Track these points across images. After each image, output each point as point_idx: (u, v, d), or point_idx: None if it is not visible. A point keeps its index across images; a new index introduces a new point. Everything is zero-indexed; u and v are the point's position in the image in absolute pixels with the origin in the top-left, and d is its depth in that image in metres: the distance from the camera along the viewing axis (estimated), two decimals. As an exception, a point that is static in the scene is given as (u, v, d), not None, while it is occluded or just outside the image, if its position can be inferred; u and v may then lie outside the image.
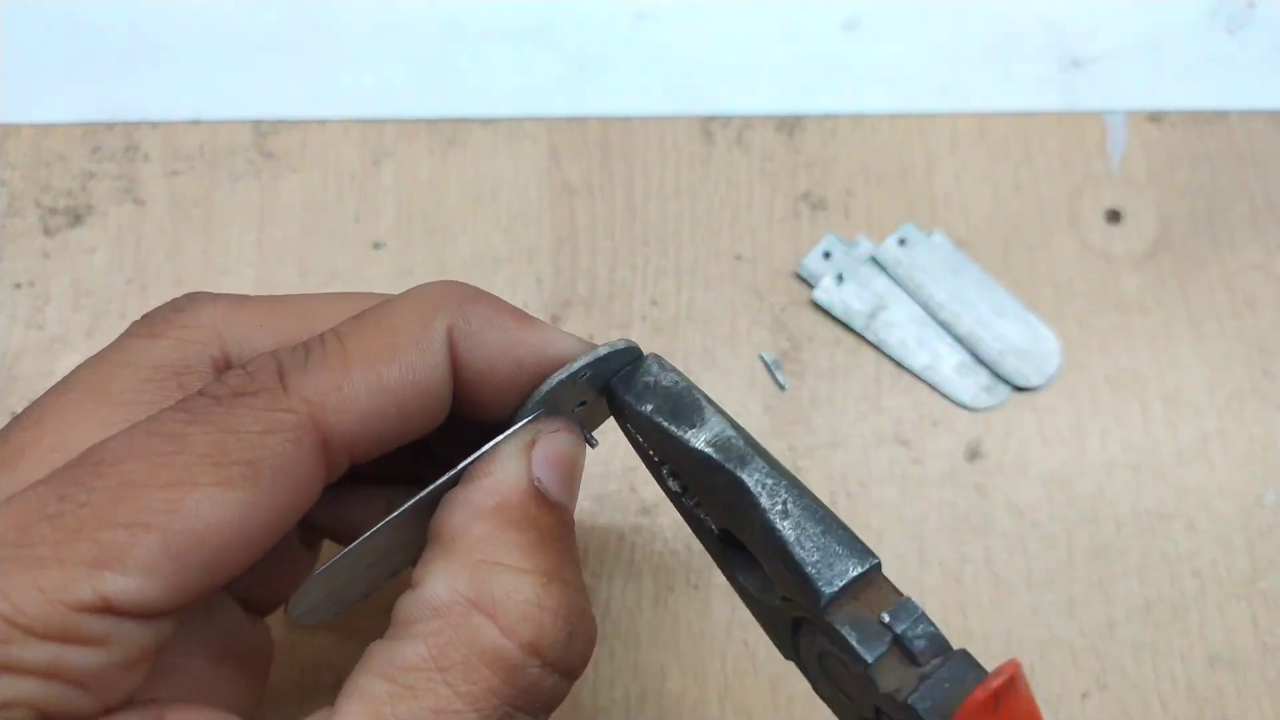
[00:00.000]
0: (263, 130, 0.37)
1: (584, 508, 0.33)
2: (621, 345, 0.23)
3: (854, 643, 0.20)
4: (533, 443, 0.22)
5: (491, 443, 0.22)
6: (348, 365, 0.20)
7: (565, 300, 0.35)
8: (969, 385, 0.34)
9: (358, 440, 0.20)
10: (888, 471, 0.33)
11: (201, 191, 0.37)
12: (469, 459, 0.22)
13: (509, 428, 0.22)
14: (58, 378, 0.33)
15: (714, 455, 0.22)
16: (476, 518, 0.20)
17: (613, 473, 0.33)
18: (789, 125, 0.38)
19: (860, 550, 0.20)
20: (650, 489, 0.33)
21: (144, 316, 0.22)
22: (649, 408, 0.22)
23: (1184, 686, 0.31)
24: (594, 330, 0.35)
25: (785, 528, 0.21)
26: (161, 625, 0.18)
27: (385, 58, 0.39)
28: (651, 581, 0.32)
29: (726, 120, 0.38)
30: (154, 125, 0.37)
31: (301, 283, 0.35)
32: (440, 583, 0.20)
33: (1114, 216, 0.37)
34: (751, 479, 0.21)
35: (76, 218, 0.36)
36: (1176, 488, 0.33)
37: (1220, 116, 0.38)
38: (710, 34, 0.39)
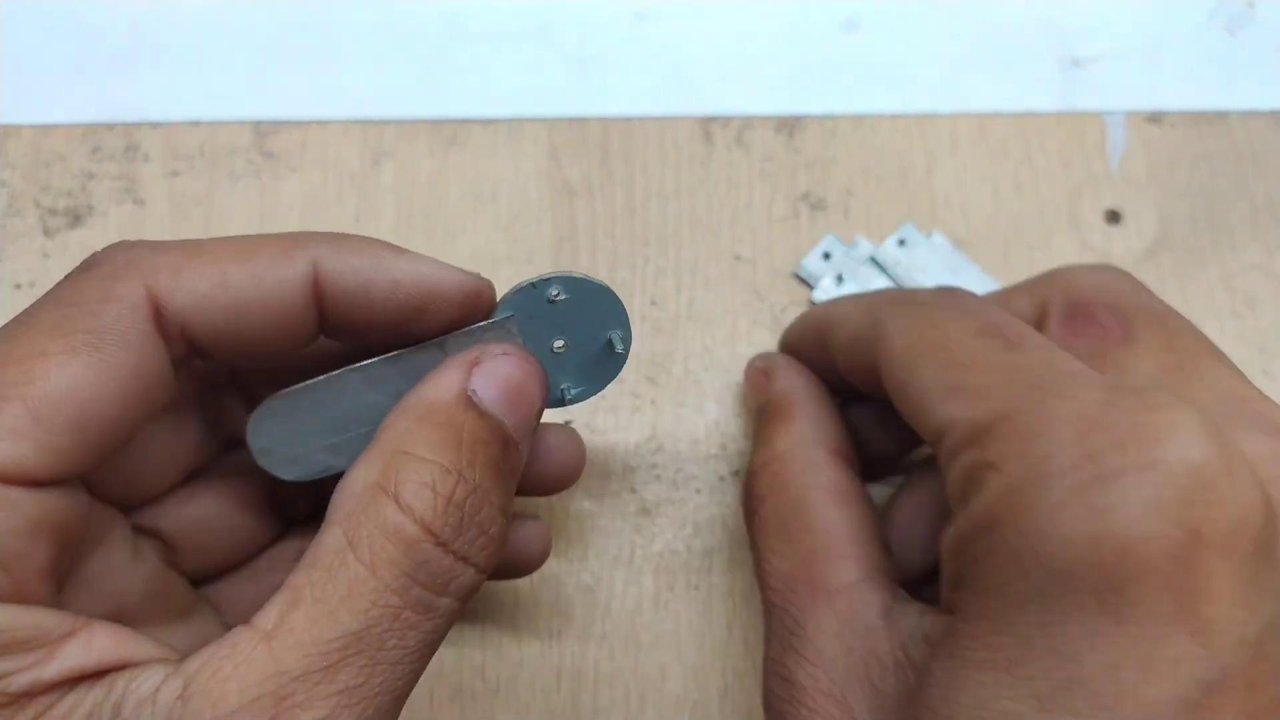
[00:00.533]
0: (263, 130, 0.37)
1: (584, 508, 0.33)
2: (598, 282, 0.24)
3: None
4: (475, 359, 0.23)
5: (462, 330, 0.23)
6: (195, 255, 0.22)
7: (565, 300, 0.35)
8: (969, 385, 0.34)
9: (194, 323, 0.21)
10: (888, 472, 0.33)
11: (201, 191, 0.37)
12: (435, 339, 0.23)
13: (479, 329, 0.24)
14: (58, 378, 0.34)
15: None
16: (402, 415, 0.22)
17: (613, 473, 0.33)
18: (789, 125, 0.38)
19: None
20: (650, 489, 0.33)
21: (91, 273, 0.23)
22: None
23: (1184, 686, 0.31)
24: (594, 330, 0.35)
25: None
26: (50, 496, 0.19)
27: (385, 58, 0.39)
28: (652, 581, 0.32)
29: (726, 120, 0.38)
30: (154, 125, 0.37)
31: (301, 283, 0.35)
32: (358, 471, 0.21)
33: (1114, 217, 0.37)
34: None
35: (76, 218, 0.36)
36: (1176, 488, 0.33)
37: (1220, 117, 0.38)
38: (710, 34, 0.39)
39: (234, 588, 0.26)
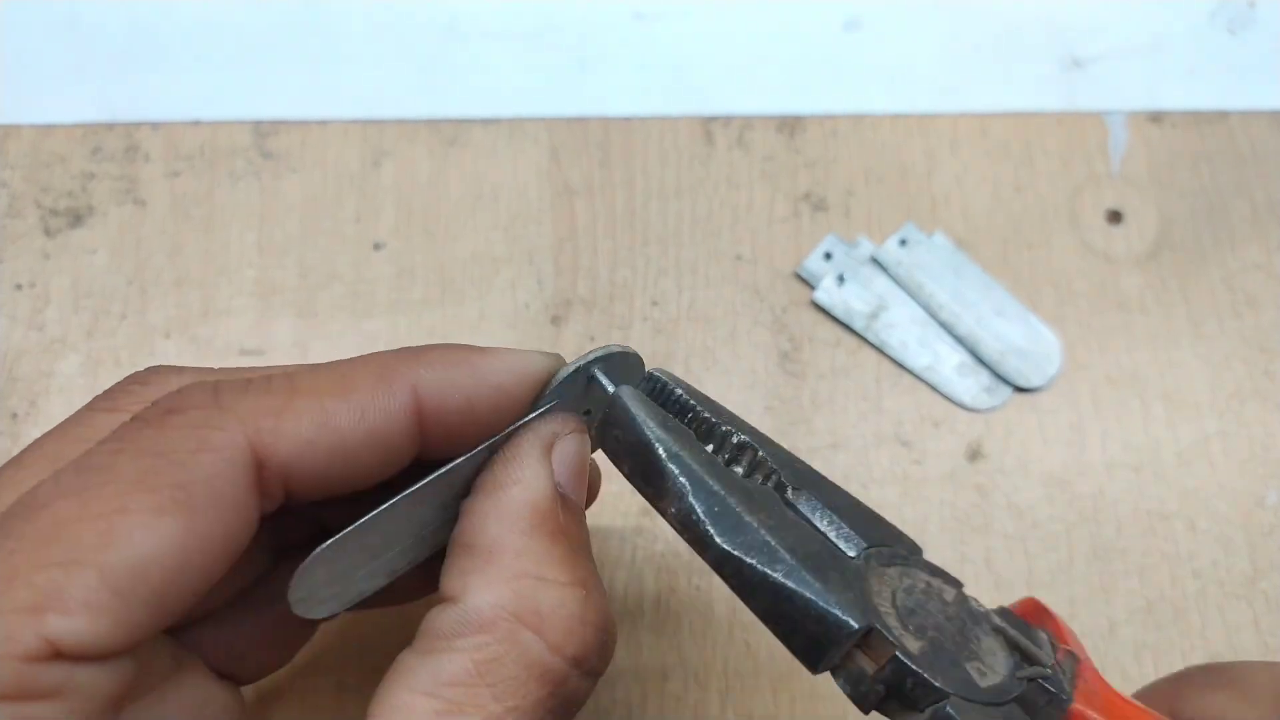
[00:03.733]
0: (263, 130, 0.37)
1: (585, 508, 0.33)
2: (618, 349, 0.23)
3: (848, 693, 0.20)
4: (551, 445, 0.22)
5: (509, 429, 0.22)
6: (293, 394, 0.19)
7: (565, 300, 0.35)
8: (970, 386, 0.34)
9: (297, 472, 0.19)
10: (889, 472, 0.33)
11: (202, 192, 0.37)
12: (486, 443, 0.22)
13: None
14: (58, 378, 0.34)
15: (681, 534, 0.21)
16: (513, 529, 0.20)
17: (613, 473, 0.33)
18: (789, 125, 0.38)
19: (840, 619, 0.19)
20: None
21: (107, 392, 0.22)
22: (626, 469, 0.22)
23: (1185, 687, 0.31)
24: (595, 330, 0.35)
25: (759, 608, 0.20)
26: (117, 668, 0.17)
27: (385, 58, 0.38)
28: (653, 582, 0.32)
29: (727, 120, 0.38)
30: (154, 126, 0.37)
31: (302, 283, 0.35)
32: (483, 597, 0.19)
33: (1115, 216, 0.36)
34: (715, 562, 0.21)
35: (77, 218, 0.36)
36: (1177, 488, 0.33)
37: (1221, 117, 0.38)
38: (710, 34, 0.39)
39: (215, 629, 0.24)
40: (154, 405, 0.19)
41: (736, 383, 0.34)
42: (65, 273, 0.35)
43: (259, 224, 0.36)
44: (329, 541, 0.21)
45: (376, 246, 0.36)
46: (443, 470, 0.21)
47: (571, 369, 0.22)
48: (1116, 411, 0.34)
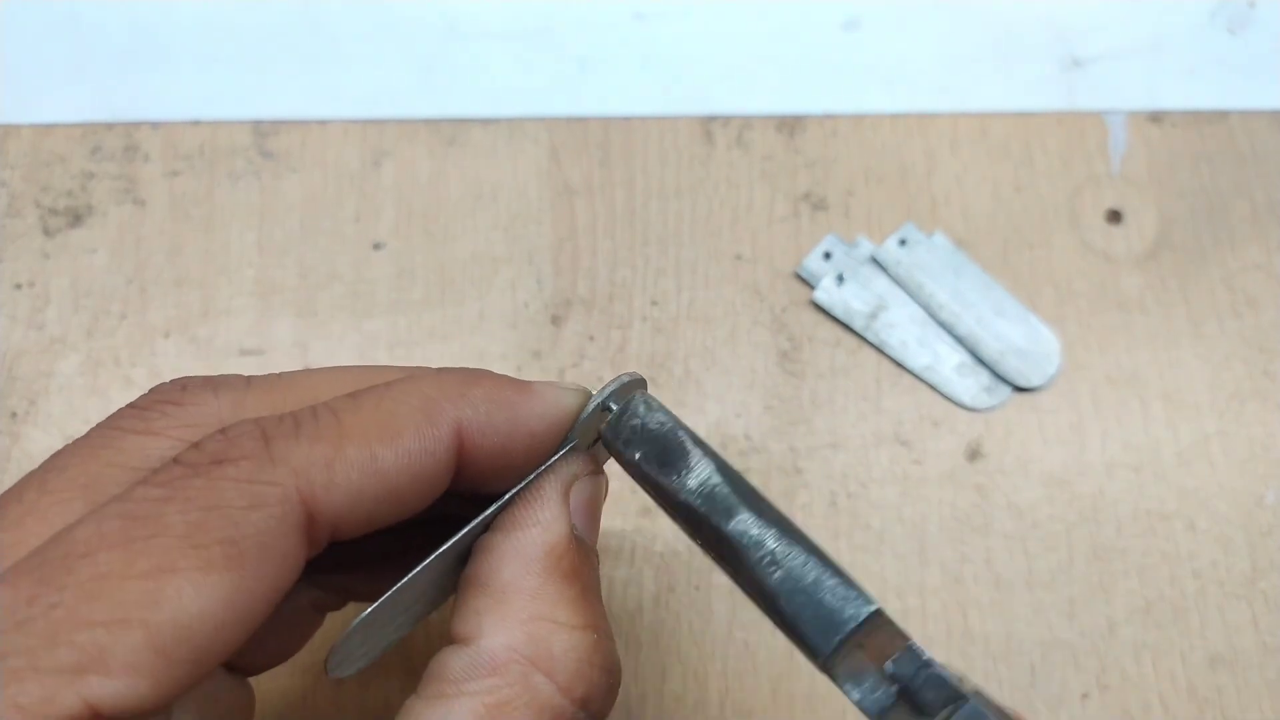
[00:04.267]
0: (263, 130, 0.37)
1: (584, 508, 0.33)
2: (628, 377, 0.23)
3: (856, 700, 0.19)
4: (570, 487, 0.22)
5: (530, 478, 0.22)
6: (342, 440, 0.19)
7: (565, 300, 0.35)
8: (969, 385, 0.34)
9: (344, 520, 0.19)
10: (888, 472, 0.33)
11: (201, 191, 0.37)
12: (508, 495, 0.22)
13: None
14: (58, 378, 0.34)
15: (699, 507, 0.21)
16: (529, 570, 0.20)
17: (613, 472, 0.33)
18: (789, 125, 0.38)
19: (856, 600, 0.20)
20: (650, 489, 0.33)
21: (136, 409, 0.21)
22: (637, 455, 0.22)
23: (1184, 687, 0.31)
24: (594, 330, 0.35)
25: (774, 583, 0.20)
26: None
27: (385, 58, 0.38)
28: (652, 582, 0.32)
29: (726, 120, 0.38)
30: (154, 125, 0.37)
31: (302, 283, 0.35)
32: (496, 639, 0.19)
33: (1114, 216, 0.36)
34: (736, 530, 0.21)
35: (76, 218, 0.36)
36: (1177, 488, 0.33)
37: (1221, 116, 0.38)
38: (710, 34, 0.39)
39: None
40: (200, 450, 0.18)
41: (736, 382, 0.34)
42: (65, 272, 0.35)
43: (259, 224, 0.36)
44: (368, 611, 0.20)
45: (376, 246, 0.36)
46: (470, 529, 0.21)
47: (593, 406, 0.23)
48: (1116, 411, 0.34)
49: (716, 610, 0.32)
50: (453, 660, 0.19)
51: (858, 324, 0.35)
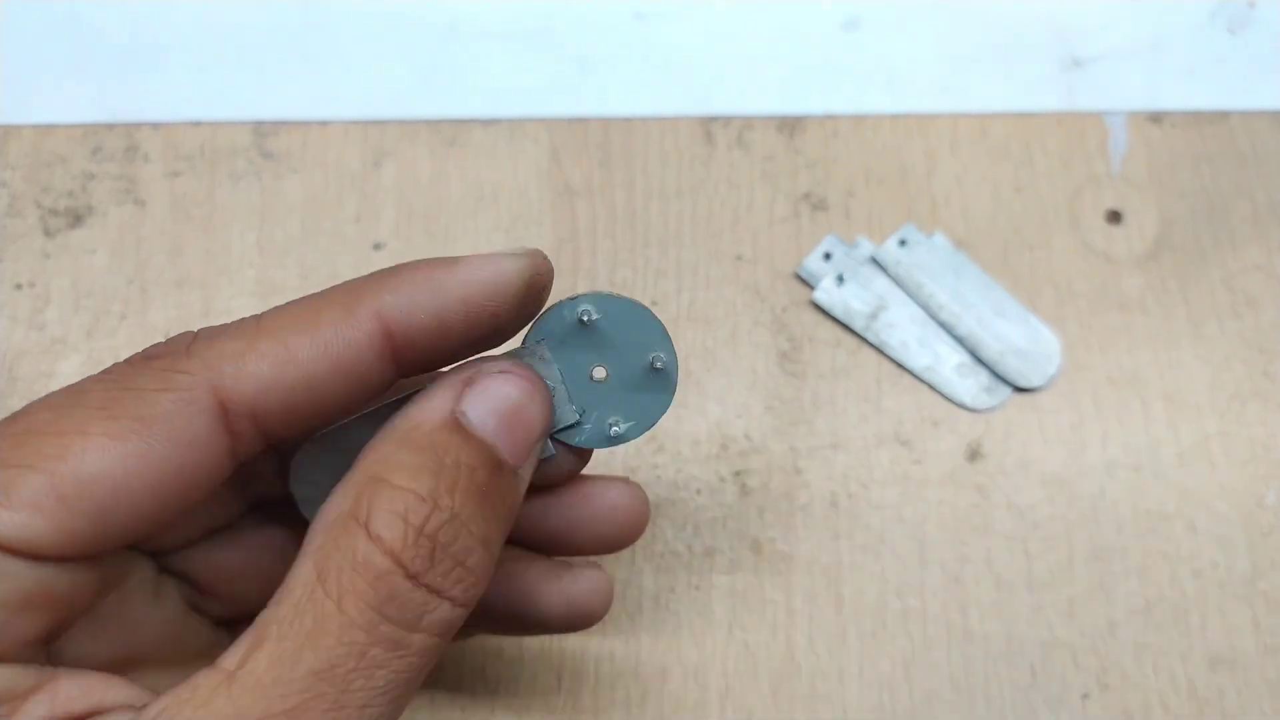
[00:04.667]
0: (263, 131, 0.37)
1: (584, 508, 0.33)
2: (629, 299, 0.23)
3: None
4: (472, 380, 0.21)
5: (487, 355, 0.22)
6: (258, 335, 0.20)
7: (566, 301, 0.35)
8: (969, 386, 0.34)
9: (262, 410, 0.20)
10: (888, 472, 0.33)
11: (202, 192, 0.37)
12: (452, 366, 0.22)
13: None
14: (58, 379, 0.34)
15: None
16: (384, 439, 0.21)
17: (613, 472, 0.33)
18: (789, 125, 0.38)
19: None
20: (651, 490, 0.33)
21: (148, 348, 0.22)
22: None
23: (1184, 687, 0.31)
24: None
25: None
26: (54, 572, 0.19)
27: (385, 58, 0.39)
28: (652, 582, 0.32)
29: (727, 121, 0.38)
30: (154, 126, 0.37)
31: (302, 283, 0.35)
32: (334, 500, 0.20)
33: (1115, 217, 0.36)
34: None
35: (77, 218, 0.36)
36: (1177, 488, 0.33)
37: (1221, 117, 0.38)
38: (710, 34, 0.39)
39: (190, 557, 0.25)
40: (143, 350, 0.21)
41: (736, 383, 0.34)
42: (65, 273, 0.35)
43: (259, 224, 0.36)
44: (316, 434, 0.22)
45: (377, 247, 0.36)
46: (430, 380, 0.22)
47: (561, 301, 0.23)
48: (1116, 412, 0.34)
49: (716, 610, 0.32)
50: (310, 528, 0.20)
51: (858, 324, 0.35)
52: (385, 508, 0.19)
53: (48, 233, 0.36)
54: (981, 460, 0.34)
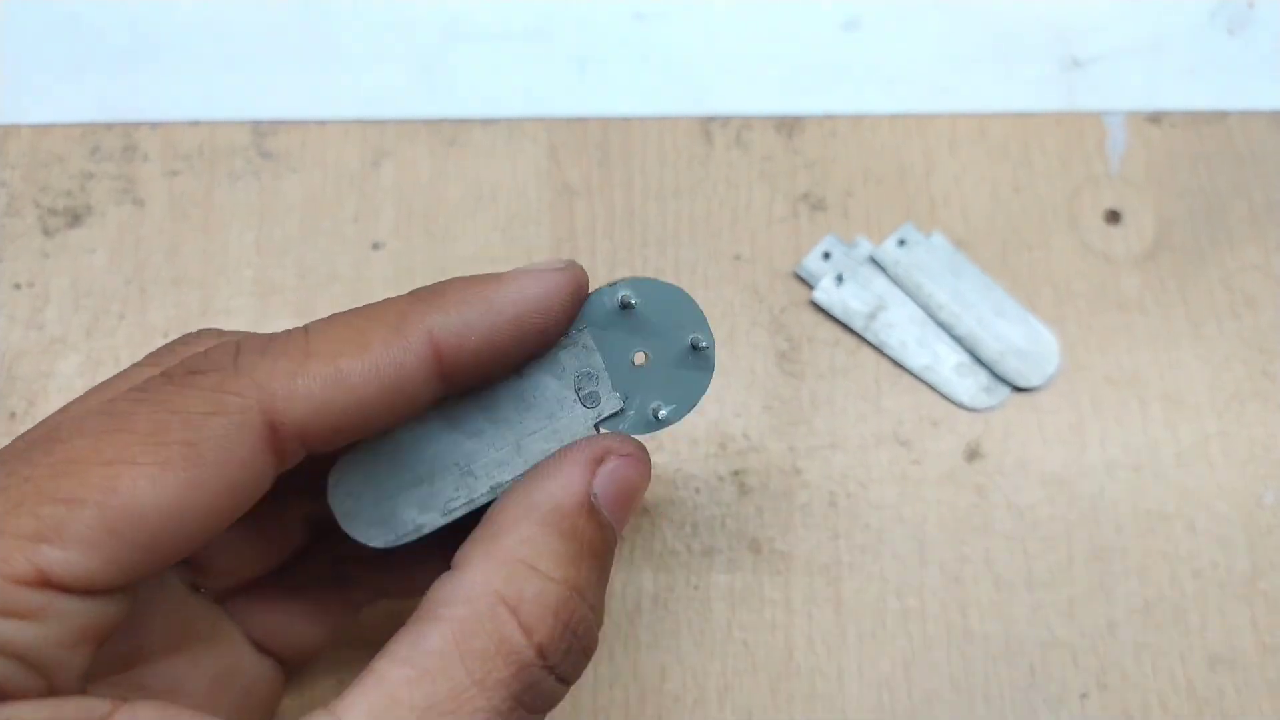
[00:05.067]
0: (262, 130, 0.37)
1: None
2: (668, 284, 0.23)
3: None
4: (601, 458, 0.22)
5: (538, 362, 0.23)
6: (308, 354, 0.20)
7: (565, 300, 0.35)
8: (969, 386, 0.34)
9: (311, 432, 0.20)
10: (887, 472, 0.33)
11: (201, 192, 0.37)
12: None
13: (555, 352, 0.23)
14: (57, 378, 0.34)
15: None
16: (527, 517, 0.21)
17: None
18: (788, 125, 0.38)
19: None
20: (650, 489, 0.33)
21: (158, 350, 0.22)
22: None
23: (1184, 687, 0.31)
24: (594, 331, 0.35)
25: None
26: (103, 604, 0.18)
27: (385, 58, 0.39)
28: (652, 582, 0.32)
29: (726, 120, 0.38)
30: (153, 125, 0.37)
31: (300, 283, 0.35)
32: (478, 571, 0.20)
33: (1113, 217, 0.36)
34: None
35: (76, 218, 0.36)
36: (1176, 488, 0.33)
37: (1220, 117, 0.38)
38: (710, 34, 0.39)
39: (256, 600, 0.25)
40: (181, 363, 0.20)
41: (735, 383, 0.34)
42: (64, 272, 0.35)
43: (258, 224, 0.36)
44: (357, 445, 0.22)
45: (376, 246, 0.36)
46: (469, 392, 0.22)
47: (600, 287, 0.23)
48: (1116, 412, 0.34)
49: (716, 610, 0.32)
50: (440, 585, 0.20)
51: (857, 324, 0.35)
52: (537, 599, 0.20)
53: (46, 232, 0.36)
54: (980, 460, 0.34)
